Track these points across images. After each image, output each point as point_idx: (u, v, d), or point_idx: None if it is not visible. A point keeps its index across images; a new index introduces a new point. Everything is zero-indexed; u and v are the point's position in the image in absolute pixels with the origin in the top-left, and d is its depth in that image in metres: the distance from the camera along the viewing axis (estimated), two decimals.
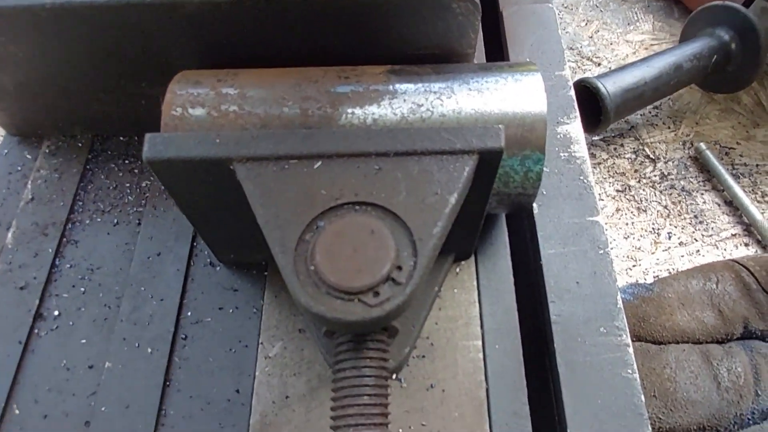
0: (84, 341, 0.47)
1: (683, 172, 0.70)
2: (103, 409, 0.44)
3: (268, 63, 0.46)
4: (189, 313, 0.48)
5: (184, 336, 0.47)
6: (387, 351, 0.34)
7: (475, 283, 0.48)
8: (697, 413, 0.48)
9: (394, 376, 0.43)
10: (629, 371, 0.43)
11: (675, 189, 0.69)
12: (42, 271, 0.50)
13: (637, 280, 0.62)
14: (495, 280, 0.48)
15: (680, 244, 0.65)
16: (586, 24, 0.85)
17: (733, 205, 0.69)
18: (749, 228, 0.67)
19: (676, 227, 0.66)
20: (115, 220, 0.53)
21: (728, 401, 0.49)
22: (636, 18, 0.89)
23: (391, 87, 0.41)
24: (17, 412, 0.44)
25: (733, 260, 0.58)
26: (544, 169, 0.54)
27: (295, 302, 0.30)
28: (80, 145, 0.57)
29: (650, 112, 0.76)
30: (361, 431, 0.30)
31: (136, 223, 0.53)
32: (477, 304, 0.47)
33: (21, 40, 0.46)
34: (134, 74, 0.50)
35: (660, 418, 0.49)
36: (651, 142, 0.73)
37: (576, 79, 0.75)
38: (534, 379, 0.45)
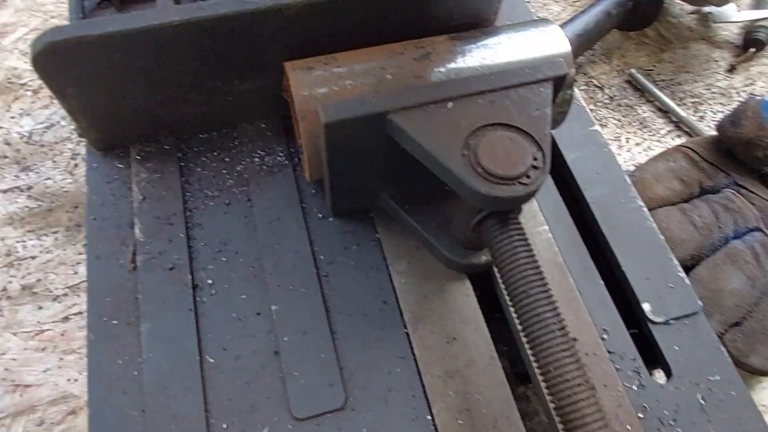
0: (244, 297, 0.56)
1: (623, 93, 0.92)
2: (285, 339, 0.54)
3: (343, 48, 0.58)
4: (322, 257, 0.59)
5: (325, 274, 0.58)
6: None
7: None
8: (688, 247, 0.69)
9: None
10: (648, 222, 0.62)
11: (621, 106, 0.90)
12: (182, 253, 0.58)
13: None
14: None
15: (636, 144, 0.87)
16: None
17: (663, 111, 0.91)
18: (678, 125, 0.90)
19: (629, 133, 0.87)
20: (227, 201, 0.62)
21: (704, 235, 0.70)
22: None
23: (458, 48, 0.55)
24: (212, 360, 0.53)
25: (679, 145, 0.80)
26: None
27: (471, 196, 0.44)
28: (167, 147, 0.65)
29: (589, 53, 0.97)
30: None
31: (246, 200, 0.62)
32: (536, 201, 0.63)
33: (137, 60, 0.54)
34: (231, 74, 0.59)
35: None
36: (595, 75, 0.93)
37: None
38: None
